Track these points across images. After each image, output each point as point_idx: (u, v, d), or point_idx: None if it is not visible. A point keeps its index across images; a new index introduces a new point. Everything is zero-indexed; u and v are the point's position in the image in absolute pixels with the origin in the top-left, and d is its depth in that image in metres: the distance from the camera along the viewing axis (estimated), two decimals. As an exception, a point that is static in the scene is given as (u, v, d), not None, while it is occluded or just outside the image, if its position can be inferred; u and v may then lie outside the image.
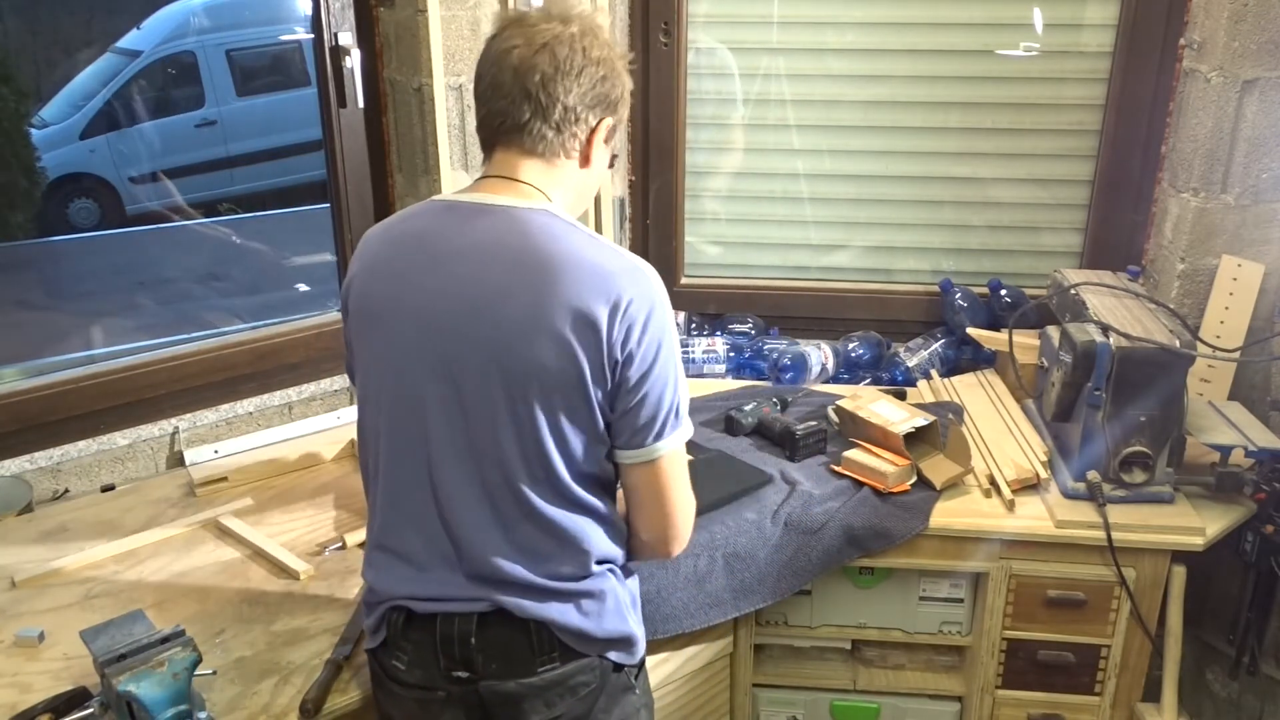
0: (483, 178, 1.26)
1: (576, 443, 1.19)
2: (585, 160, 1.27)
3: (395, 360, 1.20)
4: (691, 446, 1.88)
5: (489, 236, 1.18)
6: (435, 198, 1.28)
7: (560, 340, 1.13)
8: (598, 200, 2.20)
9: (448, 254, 1.18)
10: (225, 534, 1.68)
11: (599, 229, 2.22)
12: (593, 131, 1.25)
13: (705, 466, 1.82)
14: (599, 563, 1.24)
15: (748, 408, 2.00)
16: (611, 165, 1.34)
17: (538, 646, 1.21)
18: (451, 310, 1.17)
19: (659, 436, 1.20)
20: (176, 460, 1.92)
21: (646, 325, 1.16)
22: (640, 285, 1.17)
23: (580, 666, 1.23)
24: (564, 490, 1.20)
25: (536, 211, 1.20)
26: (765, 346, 2.36)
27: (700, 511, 1.67)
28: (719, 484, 1.76)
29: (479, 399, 1.17)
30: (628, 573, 1.32)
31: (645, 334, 1.16)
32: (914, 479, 1.79)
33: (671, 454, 1.23)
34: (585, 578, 1.23)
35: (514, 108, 1.21)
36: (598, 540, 1.24)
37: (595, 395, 1.16)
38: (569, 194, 1.27)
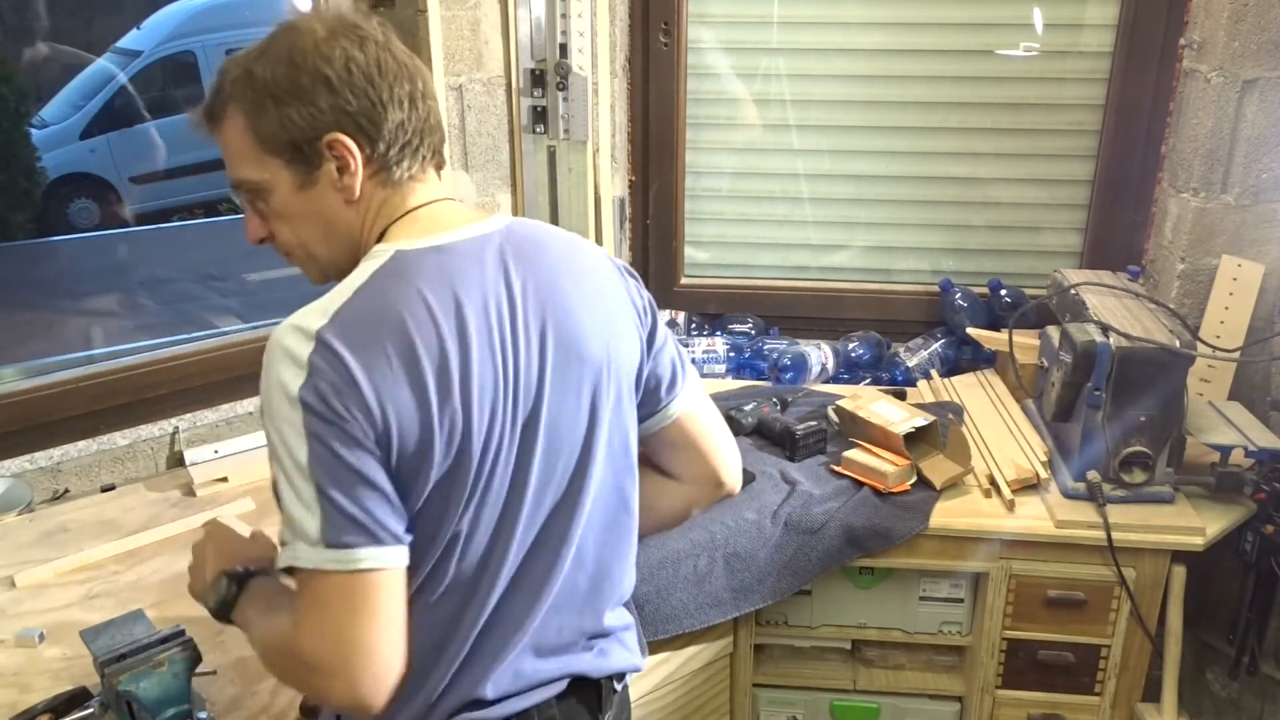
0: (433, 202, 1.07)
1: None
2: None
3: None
4: None
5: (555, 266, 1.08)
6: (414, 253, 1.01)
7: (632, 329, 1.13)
8: (598, 200, 2.20)
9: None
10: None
11: (599, 229, 2.23)
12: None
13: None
14: None
15: (748, 408, 2.00)
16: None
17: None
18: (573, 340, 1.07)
19: (686, 373, 1.19)
20: (176, 460, 1.92)
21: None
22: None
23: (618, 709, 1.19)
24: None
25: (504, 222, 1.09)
26: (765, 346, 2.36)
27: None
28: None
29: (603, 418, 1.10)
30: None
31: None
32: (914, 479, 1.79)
33: (699, 383, 1.21)
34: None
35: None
36: None
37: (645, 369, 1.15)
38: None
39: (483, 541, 1.01)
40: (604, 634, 1.15)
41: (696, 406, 1.20)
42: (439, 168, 1.09)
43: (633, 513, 1.15)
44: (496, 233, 1.05)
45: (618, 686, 1.18)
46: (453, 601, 1.02)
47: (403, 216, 1.03)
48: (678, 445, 1.20)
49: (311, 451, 0.91)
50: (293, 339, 0.93)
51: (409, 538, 0.97)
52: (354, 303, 0.95)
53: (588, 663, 1.13)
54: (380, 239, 1.03)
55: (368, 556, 0.92)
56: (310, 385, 0.91)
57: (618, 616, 1.18)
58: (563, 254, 1.09)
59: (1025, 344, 2.08)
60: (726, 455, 1.23)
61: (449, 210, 1.06)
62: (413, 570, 0.98)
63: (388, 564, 0.94)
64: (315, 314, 0.95)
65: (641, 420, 1.16)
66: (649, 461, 1.22)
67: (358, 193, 1.01)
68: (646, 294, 1.16)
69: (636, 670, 1.21)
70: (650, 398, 1.16)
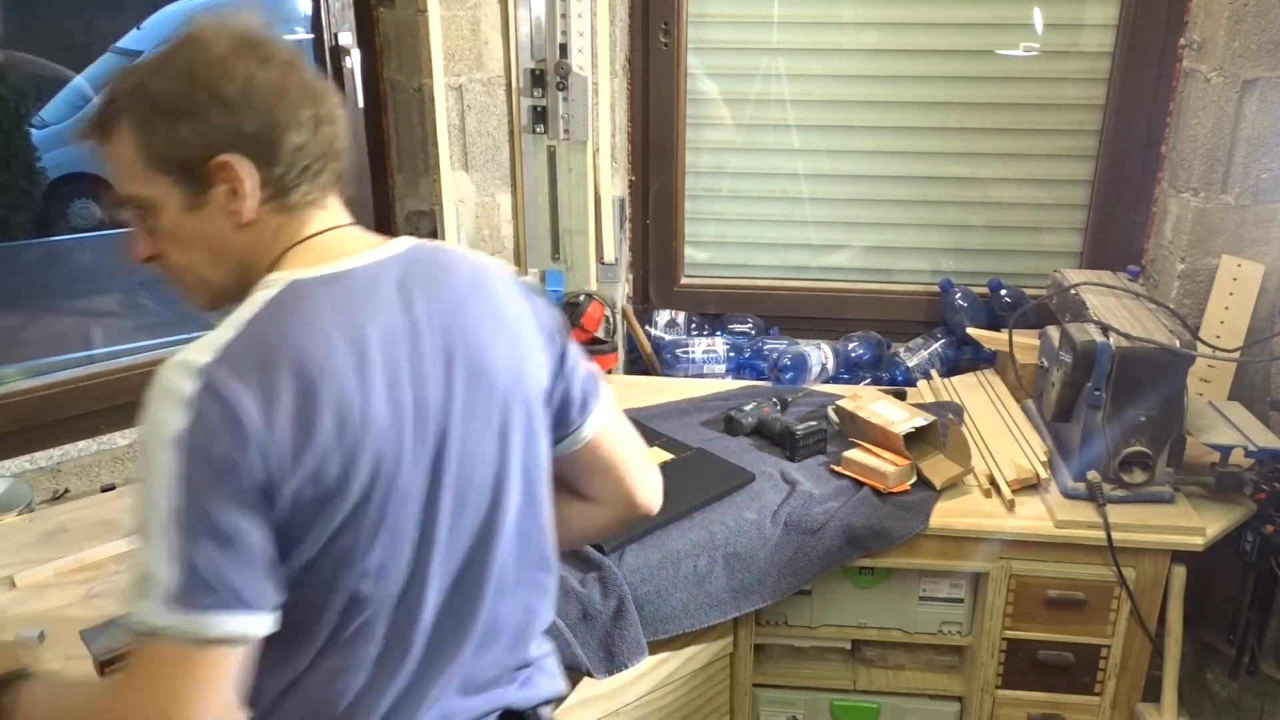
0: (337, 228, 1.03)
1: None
2: None
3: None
4: (673, 445, 1.89)
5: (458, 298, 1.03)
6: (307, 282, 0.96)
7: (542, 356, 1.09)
8: (598, 201, 2.20)
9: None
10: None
11: (599, 230, 2.23)
12: None
13: (685, 466, 1.83)
14: None
15: (748, 408, 2.00)
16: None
17: None
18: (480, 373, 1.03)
19: (599, 393, 1.15)
20: (176, 460, 1.92)
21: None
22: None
23: None
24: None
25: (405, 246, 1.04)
26: (765, 346, 2.36)
27: (683, 514, 1.69)
28: (699, 484, 1.77)
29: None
30: None
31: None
32: (914, 479, 1.79)
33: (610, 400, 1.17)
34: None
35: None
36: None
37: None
38: None
39: (398, 580, 0.96)
40: (528, 664, 1.13)
41: (611, 427, 1.15)
42: (342, 194, 1.05)
43: (551, 540, 1.12)
44: (398, 258, 1.00)
45: (545, 713, 1.16)
46: (372, 644, 0.97)
47: (299, 243, 0.98)
48: (592, 467, 1.15)
49: (184, 503, 0.84)
50: (177, 376, 0.86)
51: (279, 600, 0.90)
52: (245, 336, 0.89)
53: (514, 695, 1.10)
54: (275, 267, 0.97)
55: (223, 624, 0.85)
56: (192, 429, 0.84)
57: (539, 644, 1.16)
58: (469, 278, 1.04)
59: (1025, 344, 2.08)
60: (643, 475, 1.19)
61: (348, 237, 1.02)
62: (318, 617, 0.94)
63: (244, 634, 0.87)
64: (203, 349, 0.88)
65: (555, 443, 1.12)
66: (564, 483, 1.17)
67: (248, 217, 0.96)
68: (556, 314, 1.12)
69: (562, 697, 1.19)
70: (562, 420, 1.11)
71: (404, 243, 1.03)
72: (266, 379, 0.87)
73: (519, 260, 2.24)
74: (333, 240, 1.01)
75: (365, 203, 2.14)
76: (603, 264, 2.26)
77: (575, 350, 1.13)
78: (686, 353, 2.35)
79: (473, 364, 1.00)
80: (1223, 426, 1.82)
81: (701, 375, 2.33)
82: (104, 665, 1.21)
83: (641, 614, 1.53)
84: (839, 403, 1.94)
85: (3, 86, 3.62)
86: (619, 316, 2.32)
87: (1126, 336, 1.71)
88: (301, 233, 0.99)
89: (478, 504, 1.02)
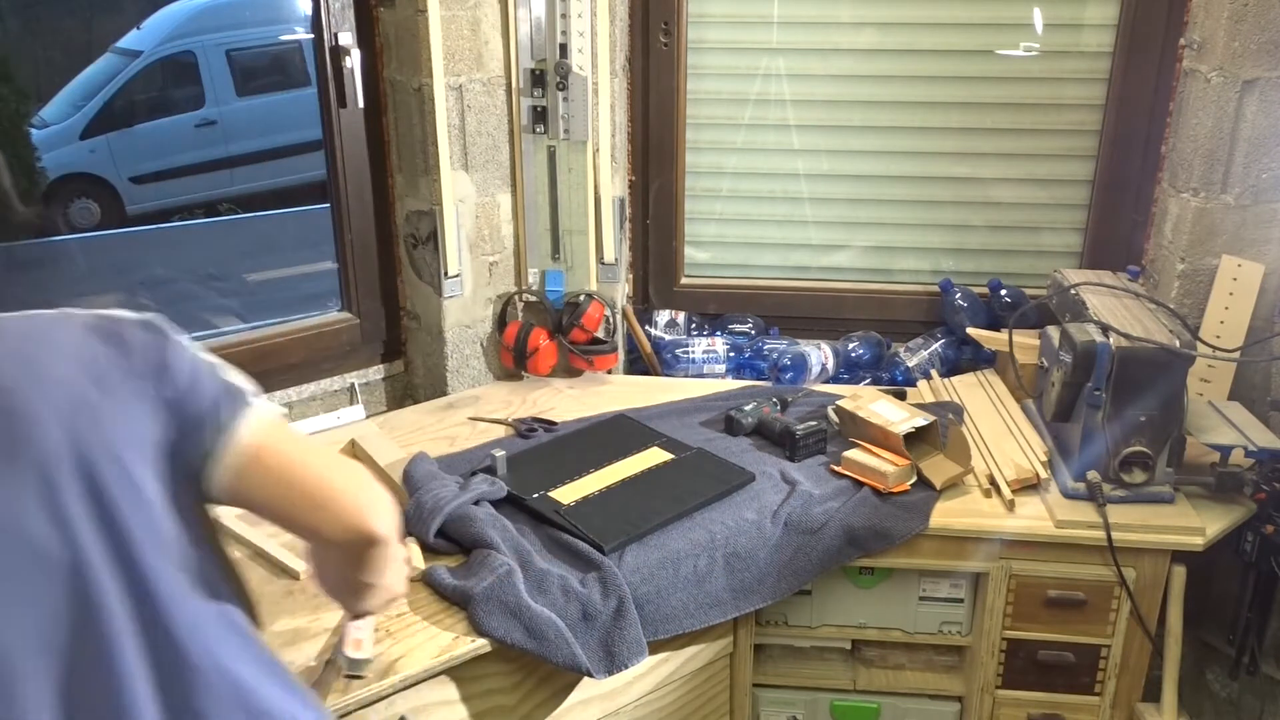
0: None
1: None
2: None
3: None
4: (673, 445, 1.89)
5: None
6: None
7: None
8: (598, 201, 2.20)
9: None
10: (225, 534, 1.68)
11: (599, 230, 2.23)
12: None
13: (685, 466, 1.83)
14: None
15: (748, 408, 2.00)
16: None
17: None
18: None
19: (240, 406, 0.99)
20: (176, 460, 1.92)
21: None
22: None
23: None
24: None
25: None
26: (765, 346, 2.36)
27: (683, 514, 1.69)
28: (699, 484, 1.77)
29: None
30: None
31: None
32: (914, 479, 1.79)
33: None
34: None
35: None
36: None
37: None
38: None
39: None
40: None
41: (275, 438, 0.99)
42: None
43: (231, 603, 0.97)
44: None
45: None
46: None
47: None
48: (271, 491, 1.00)
49: None
50: None
51: None
52: None
53: None
54: None
55: None
56: None
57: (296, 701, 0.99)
58: (16, 340, 0.91)
59: (1025, 344, 2.08)
60: (340, 486, 1.02)
61: None
62: None
63: None
64: None
65: (205, 482, 0.97)
66: (279, 525, 1.04)
67: None
68: (156, 345, 0.96)
69: None
70: (195, 446, 0.95)
71: None
72: None
73: (519, 260, 2.24)
74: None
75: (366, 203, 2.14)
76: (603, 264, 2.26)
77: (195, 370, 0.97)
78: (686, 353, 2.35)
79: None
80: (1223, 426, 1.82)
81: (701, 375, 2.33)
82: None
83: (641, 614, 1.53)
84: (839, 403, 1.95)
85: (3, 86, 3.62)
86: (619, 316, 2.32)
87: (1126, 336, 1.71)
88: None
89: (53, 613, 0.84)
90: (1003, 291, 2.33)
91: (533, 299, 2.26)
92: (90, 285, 4.19)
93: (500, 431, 2.03)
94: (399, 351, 2.27)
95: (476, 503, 1.66)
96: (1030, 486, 1.81)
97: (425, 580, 1.53)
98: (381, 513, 1.04)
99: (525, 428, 2.00)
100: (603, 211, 2.21)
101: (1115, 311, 1.83)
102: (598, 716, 1.62)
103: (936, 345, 2.34)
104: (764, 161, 2.44)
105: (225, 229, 4.61)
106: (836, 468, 1.83)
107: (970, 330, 2.25)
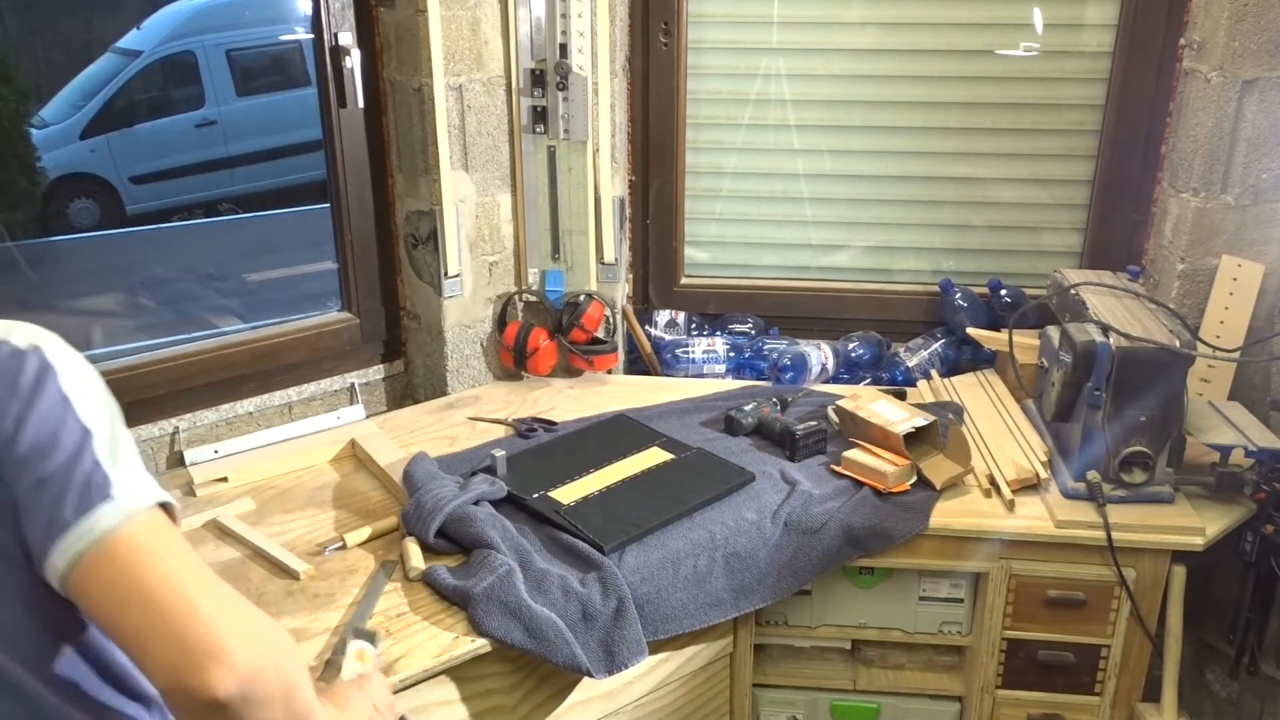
0: None
1: None
2: None
3: None
4: (673, 445, 1.89)
5: None
6: None
7: None
8: (598, 201, 2.20)
9: None
10: (225, 534, 1.68)
11: (599, 230, 2.23)
12: None
13: (685, 466, 1.83)
14: None
15: (748, 408, 2.00)
16: None
17: None
18: None
19: (99, 498, 0.81)
20: (176, 460, 1.92)
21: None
22: None
23: None
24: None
25: None
26: (765, 346, 2.36)
27: (683, 514, 1.69)
28: (699, 484, 1.77)
29: None
30: None
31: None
32: (914, 479, 1.79)
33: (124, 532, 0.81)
34: None
35: None
36: None
37: None
38: None
39: None
40: None
41: (132, 545, 0.80)
42: None
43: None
44: None
45: None
46: None
47: None
48: (100, 603, 0.80)
49: None
50: None
51: None
52: None
53: None
54: None
55: None
56: None
57: None
58: None
59: (1025, 344, 2.08)
60: (196, 620, 0.79)
61: None
62: None
63: None
64: None
65: (36, 565, 0.81)
66: None
67: None
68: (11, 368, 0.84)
69: None
70: (35, 543, 0.81)
71: None
72: None
73: (519, 260, 2.24)
74: None
75: (366, 202, 2.14)
76: (603, 264, 2.26)
77: (59, 427, 0.83)
78: (686, 353, 2.35)
79: None
80: (1223, 426, 1.82)
81: (701, 375, 2.33)
82: None
83: (641, 614, 1.53)
84: (839, 403, 1.95)
85: (3, 86, 3.62)
86: (619, 316, 2.32)
87: (1126, 336, 1.71)
88: None
89: None
90: (1003, 291, 2.33)
91: (533, 299, 2.26)
92: (90, 285, 4.19)
93: (500, 431, 2.03)
94: (399, 351, 2.27)
95: (476, 503, 1.66)
96: (1030, 486, 1.81)
97: (425, 580, 1.53)
98: (254, 664, 0.79)
99: (525, 428, 2.00)
100: (603, 211, 2.21)
101: (1115, 311, 1.83)
102: (598, 716, 1.62)
103: (936, 345, 2.34)
104: (764, 161, 2.44)
105: (225, 229, 4.61)
106: (836, 468, 1.83)
107: (970, 330, 2.25)
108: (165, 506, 0.86)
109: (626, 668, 1.49)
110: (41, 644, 0.86)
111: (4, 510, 0.82)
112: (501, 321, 2.24)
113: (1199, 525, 1.70)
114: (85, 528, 0.79)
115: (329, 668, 1.33)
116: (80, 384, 0.86)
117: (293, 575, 1.56)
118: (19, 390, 0.82)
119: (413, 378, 2.27)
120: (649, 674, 1.66)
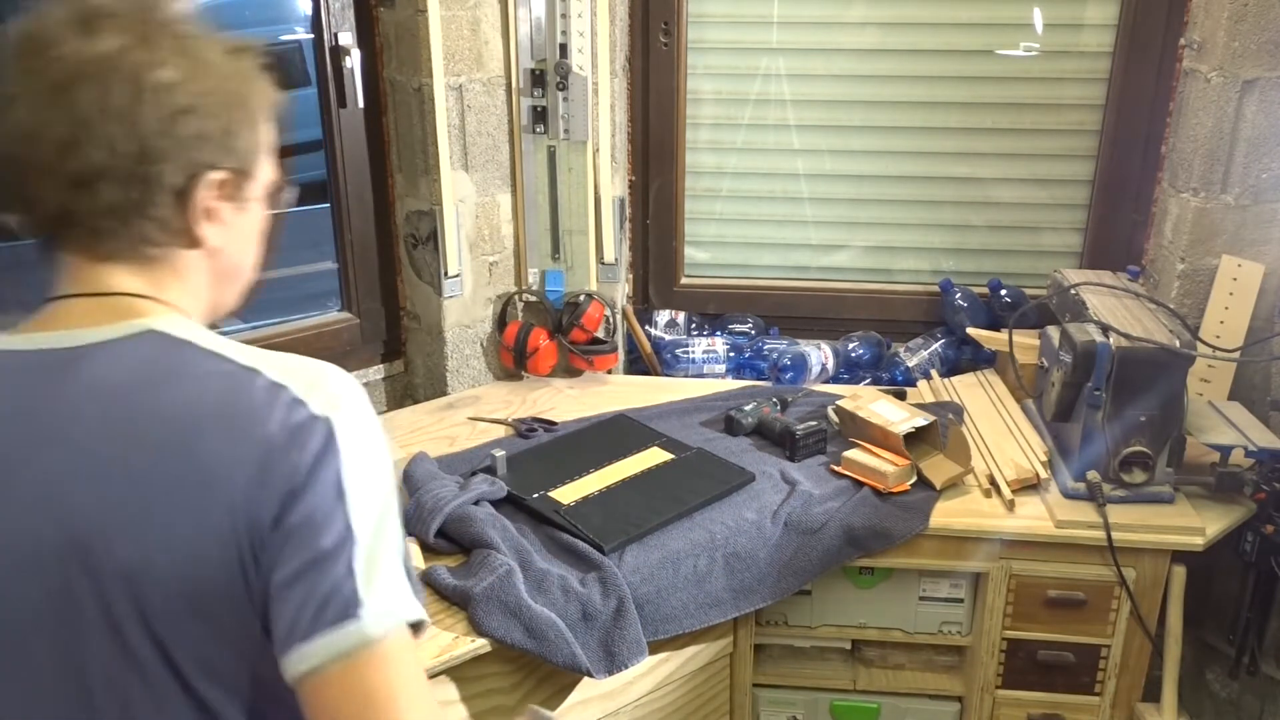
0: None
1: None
2: (192, 239, 0.87)
3: None
4: (673, 445, 1.89)
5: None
6: None
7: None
8: (598, 201, 2.20)
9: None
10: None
11: (599, 230, 2.22)
12: (187, 195, 0.85)
13: (685, 466, 1.83)
14: None
15: (748, 408, 2.01)
16: (277, 206, 0.98)
17: None
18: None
19: (328, 625, 0.78)
20: (176, 460, 1.92)
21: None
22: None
23: None
24: None
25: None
26: (765, 346, 2.36)
27: (683, 514, 1.69)
28: (699, 484, 1.76)
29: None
30: None
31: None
32: (914, 479, 1.79)
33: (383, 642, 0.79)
34: None
35: (47, 194, 0.83)
36: None
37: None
38: (191, 293, 0.91)
39: None
40: None
41: (342, 685, 0.78)
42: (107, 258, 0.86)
43: None
44: (79, 354, 0.82)
45: None
46: None
47: None
48: (322, 717, 0.79)
49: None
50: None
51: None
52: None
53: None
54: None
55: None
56: None
57: None
58: (140, 410, 0.81)
59: (1025, 344, 2.08)
60: None
61: (70, 310, 0.86)
62: None
63: None
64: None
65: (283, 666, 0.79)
66: None
67: None
68: (301, 463, 0.79)
69: None
70: (276, 640, 0.80)
71: (142, 326, 0.87)
72: None
73: (519, 260, 2.24)
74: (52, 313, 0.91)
75: (366, 203, 2.14)
76: (603, 264, 2.26)
77: (310, 529, 0.79)
78: (686, 353, 2.35)
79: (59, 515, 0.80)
80: (1223, 426, 1.82)
81: (701, 375, 2.33)
82: None
83: (641, 614, 1.53)
84: (839, 403, 1.95)
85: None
86: (619, 316, 2.32)
87: (1126, 336, 1.71)
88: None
89: None
90: (1003, 291, 2.33)
91: (533, 299, 2.26)
92: (90, 285, 4.18)
93: (500, 431, 2.03)
94: (399, 351, 2.27)
95: (476, 503, 1.66)
96: (1030, 486, 1.81)
97: (425, 580, 1.53)
98: None
99: (525, 428, 2.00)
100: (603, 211, 2.21)
101: (1115, 311, 1.83)
102: (598, 716, 1.62)
103: (936, 345, 2.34)
104: (764, 161, 2.44)
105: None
106: (836, 468, 1.83)
107: (970, 330, 2.25)
108: (414, 624, 0.83)
109: (626, 668, 1.49)
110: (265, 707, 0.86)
111: (257, 598, 0.80)
112: (501, 321, 2.24)
113: (1199, 525, 1.70)
114: (326, 642, 0.77)
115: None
116: (361, 474, 0.81)
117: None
118: (297, 471, 0.79)
119: (413, 378, 2.27)
120: (649, 674, 1.66)
